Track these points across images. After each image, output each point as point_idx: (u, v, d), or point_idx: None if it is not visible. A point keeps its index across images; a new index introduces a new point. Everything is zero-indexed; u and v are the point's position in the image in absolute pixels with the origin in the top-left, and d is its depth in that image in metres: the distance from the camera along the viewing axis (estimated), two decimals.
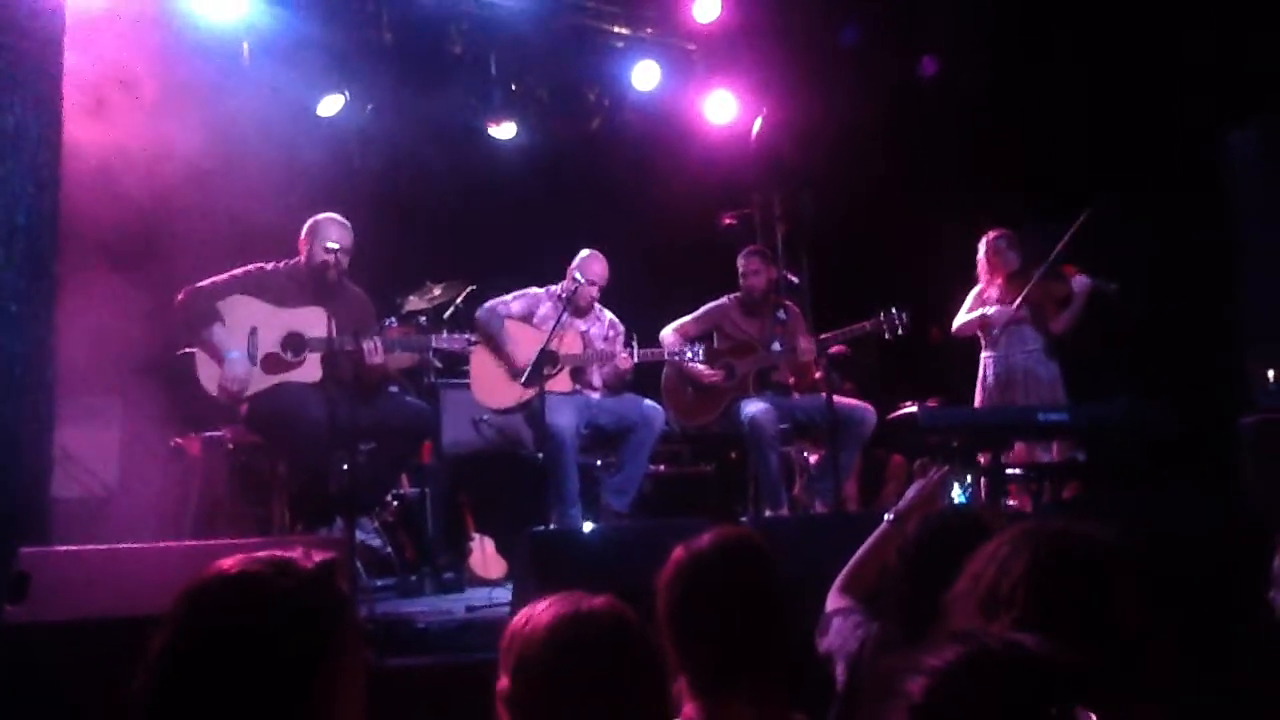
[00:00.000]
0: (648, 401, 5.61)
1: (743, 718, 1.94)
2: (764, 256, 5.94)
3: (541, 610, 1.69)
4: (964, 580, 1.76)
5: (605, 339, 5.79)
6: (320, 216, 5.00)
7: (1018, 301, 5.73)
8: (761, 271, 5.87)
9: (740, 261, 6.01)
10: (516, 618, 1.72)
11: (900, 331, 5.60)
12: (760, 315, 5.92)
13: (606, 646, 1.65)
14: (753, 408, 5.56)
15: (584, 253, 5.69)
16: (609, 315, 5.88)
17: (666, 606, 2.04)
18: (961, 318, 6.03)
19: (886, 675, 1.03)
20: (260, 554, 1.47)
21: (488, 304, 5.70)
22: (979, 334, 5.96)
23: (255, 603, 1.41)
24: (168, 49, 5.88)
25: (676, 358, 5.62)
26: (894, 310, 5.60)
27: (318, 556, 1.49)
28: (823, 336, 5.64)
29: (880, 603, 2.53)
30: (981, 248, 6.00)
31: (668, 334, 5.91)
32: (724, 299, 6.03)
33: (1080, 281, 5.69)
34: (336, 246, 4.88)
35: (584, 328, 5.73)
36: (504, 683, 1.68)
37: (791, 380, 5.87)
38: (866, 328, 5.68)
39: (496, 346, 5.56)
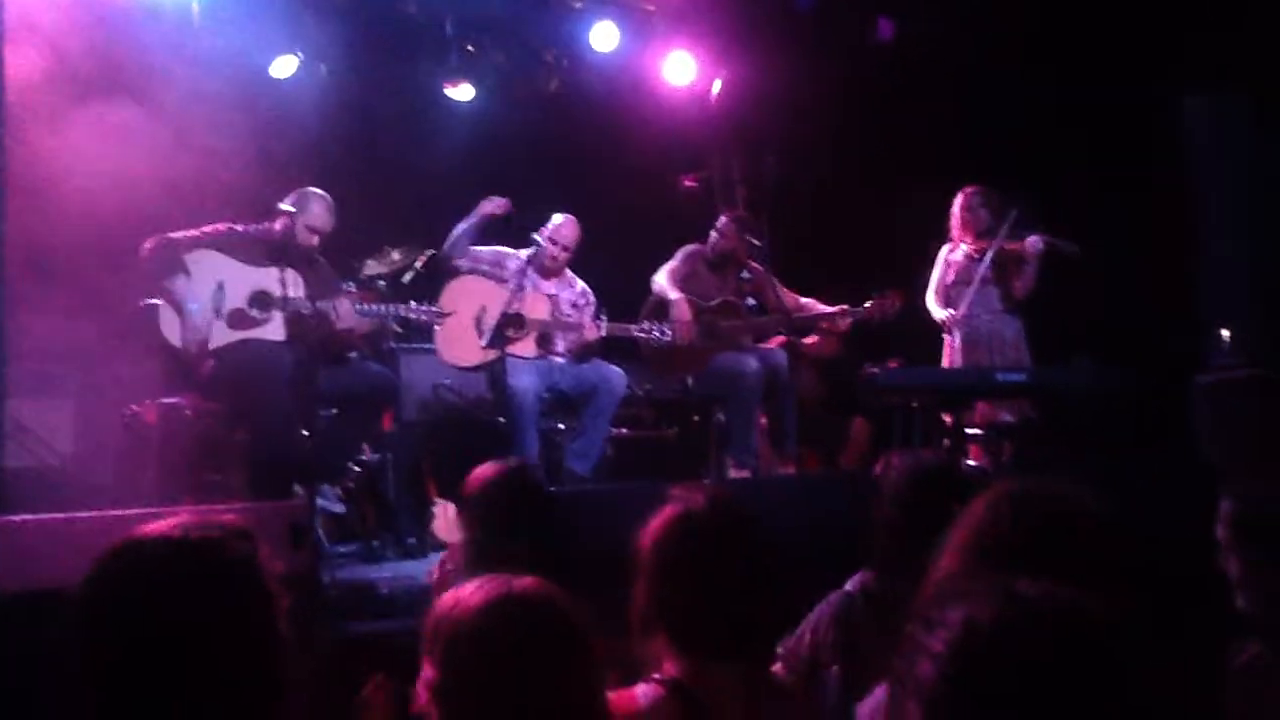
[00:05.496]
0: (609, 365, 5.59)
1: (728, 676, 1.93)
2: (742, 227, 5.95)
3: (470, 593, 1.62)
4: (951, 543, 1.79)
5: (575, 305, 5.75)
6: (309, 191, 5.02)
7: (983, 268, 5.77)
8: (733, 239, 5.88)
9: (720, 221, 6.05)
10: (440, 602, 1.65)
11: (893, 316, 5.69)
12: (723, 273, 5.95)
13: (541, 628, 1.59)
14: (738, 363, 5.63)
15: (558, 217, 5.67)
16: (581, 284, 5.85)
17: (656, 563, 2.01)
18: (930, 300, 6.04)
19: (914, 630, 1.01)
20: (161, 524, 1.48)
21: (457, 231, 5.65)
22: (949, 293, 5.97)
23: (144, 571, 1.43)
24: (114, 10, 5.75)
25: (644, 334, 5.59)
26: (882, 292, 5.73)
27: (225, 526, 1.49)
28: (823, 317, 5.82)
29: (869, 553, 2.56)
30: (955, 204, 6.01)
31: (659, 278, 5.88)
32: (694, 246, 6.06)
33: (1031, 242, 5.72)
34: (320, 231, 4.96)
35: (552, 291, 5.69)
36: (431, 673, 1.61)
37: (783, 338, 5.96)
38: (867, 310, 5.79)
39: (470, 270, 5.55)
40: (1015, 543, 1.81)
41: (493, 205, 5.62)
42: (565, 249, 5.64)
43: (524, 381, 5.24)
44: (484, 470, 3.00)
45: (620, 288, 6.07)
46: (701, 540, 2.00)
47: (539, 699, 1.56)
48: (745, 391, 5.60)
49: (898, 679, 1.02)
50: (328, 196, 5.02)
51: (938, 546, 1.83)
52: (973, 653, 0.95)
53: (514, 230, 5.76)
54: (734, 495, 2.14)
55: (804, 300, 6.03)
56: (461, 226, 5.63)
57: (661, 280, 5.85)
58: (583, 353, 5.64)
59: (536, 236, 5.53)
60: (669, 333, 5.56)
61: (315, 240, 5.00)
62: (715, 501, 2.06)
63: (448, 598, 1.64)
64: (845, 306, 5.88)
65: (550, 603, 1.63)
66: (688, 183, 7.49)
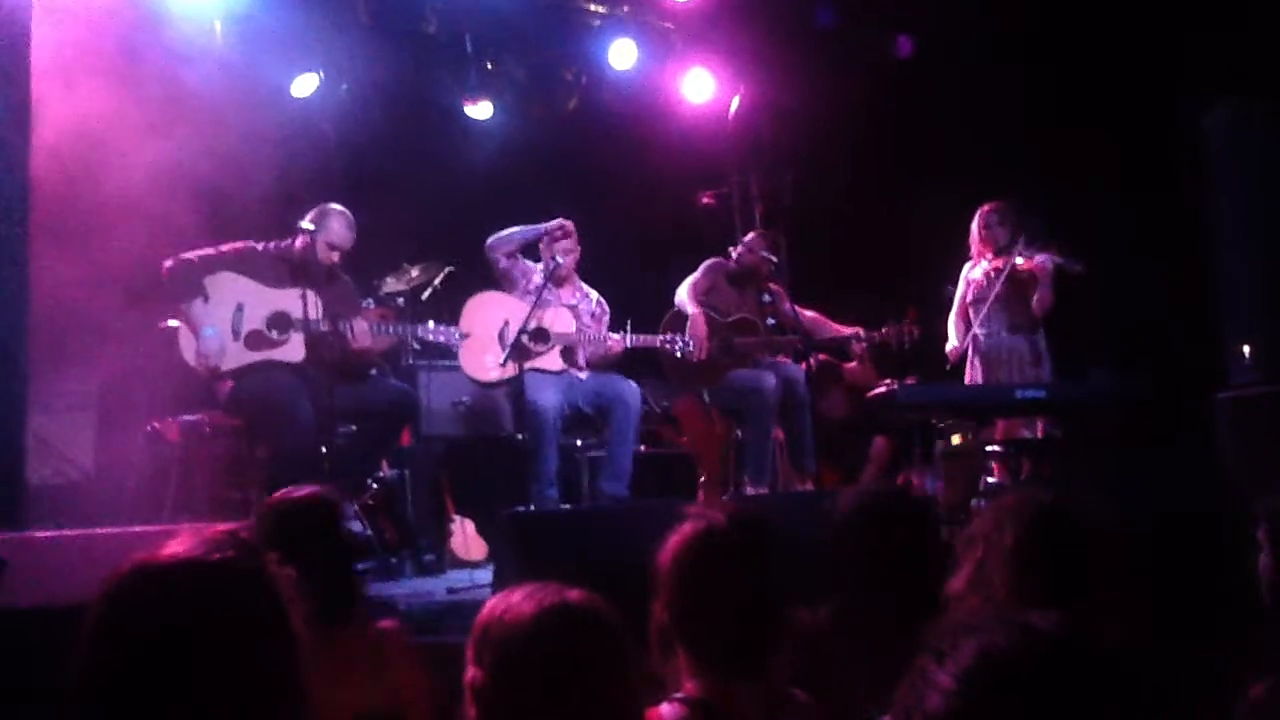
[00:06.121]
0: (623, 380, 5.59)
1: (747, 695, 1.92)
2: (771, 245, 5.95)
3: (521, 600, 1.64)
4: (960, 556, 1.80)
5: (593, 316, 5.74)
6: (329, 208, 5.01)
7: (998, 285, 5.77)
8: (758, 258, 5.88)
9: (749, 237, 6.07)
10: (490, 607, 1.67)
11: (910, 342, 5.72)
12: (743, 289, 5.93)
13: (592, 639, 1.62)
14: (760, 379, 5.62)
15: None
16: (595, 294, 5.84)
17: (676, 581, 1.99)
18: (951, 321, 6.04)
19: (923, 662, 1.00)
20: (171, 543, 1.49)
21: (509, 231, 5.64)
22: (969, 311, 5.96)
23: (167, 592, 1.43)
24: (138, 29, 5.81)
25: (668, 346, 5.56)
26: (907, 321, 5.75)
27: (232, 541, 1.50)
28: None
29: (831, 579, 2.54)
30: (974, 221, 6.00)
31: (682, 292, 5.87)
32: (717, 260, 6.05)
33: (1040, 261, 5.71)
34: (341, 247, 4.97)
35: (571, 302, 5.68)
36: (476, 674, 1.63)
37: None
38: (885, 335, 5.80)
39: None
40: (1022, 556, 1.83)
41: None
42: (568, 251, 5.60)
43: (545, 397, 5.22)
44: (281, 494, 2.72)
45: (639, 303, 6.07)
46: (722, 558, 1.98)
47: (582, 708, 1.58)
48: (761, 408, 5.58)
49: (904, 712, 1.01)
50: (348, 213, 5.03)
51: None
52: (984, 685, 0.95)
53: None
54: (755, 512, 2.13)
55: (817, 317, 6.02)
56: (519, 231, 5.62)
57: (683, 295, 5.84)
58: (604, 365, 5.63)
59: (544, 251, 5.55)
60: (690, 345, 5.54)
61: (336, 257, 5.01)
62: (736, 518, 2.04)
63: (498, 602, 1.67)
64: (860, 330, 5.87)
65: (601, 615, 1.66)
66: (705, 200, 7.50)
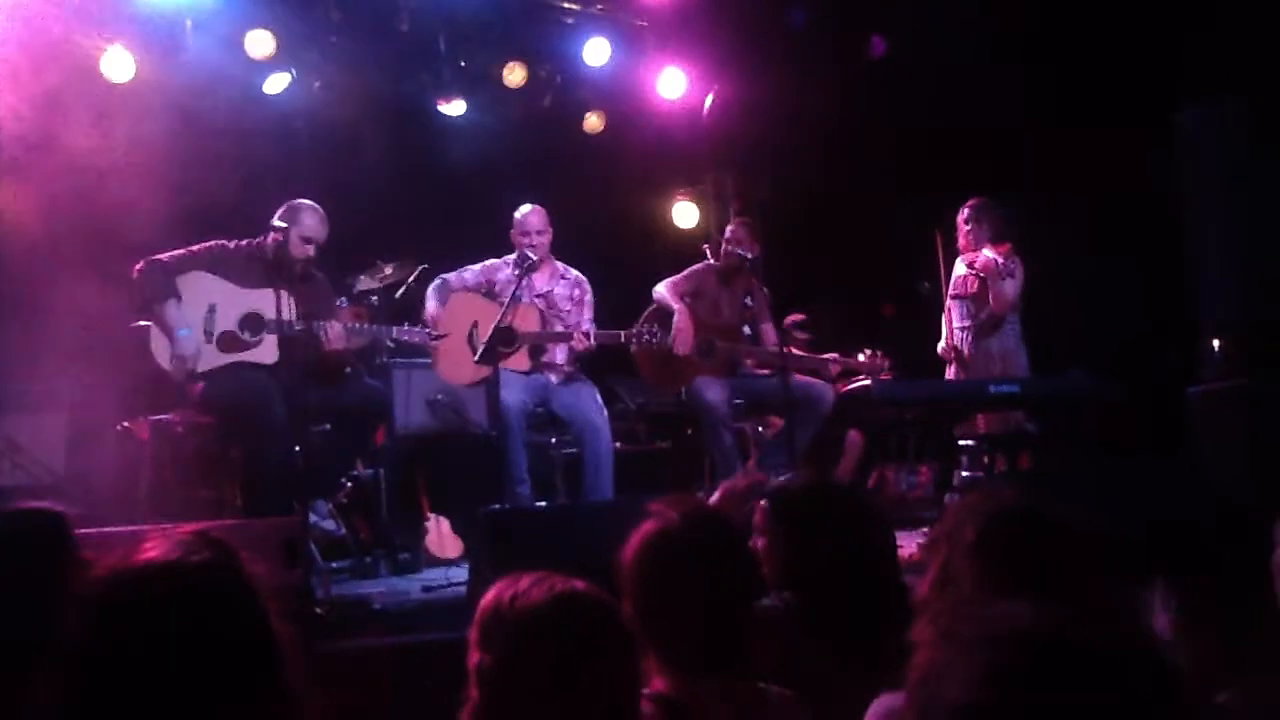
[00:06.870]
0: (601, 409, 5.50)
1: (716, 691, 1.93)
2: (751, 229, 5.93)
3: (530, 587, 1.66)
4: (926, 558, 1.81)
5: (571, 299, 5.69)
6: (299, 203, 4.93)
7: (964, 283, 5.82)
8: (745, 243, 5.82)
9: (729, 229, 6.00)
10: (498, 593, 1.69)
11: (886, 374, 5.72)
12: (732, 288, 5.92)
13: (600, 627, 1.66)
14: (708, 390, 5.56)
15: (519, 212, 5.63)
16: (574, 273, 5.78)
17: (634, 583, 2.01)
18: (944, 321, 6.07)
19: (939, 651, 0.99)
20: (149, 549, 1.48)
21: (440, 278, 5.64)
22: (951, 308, 6.00)
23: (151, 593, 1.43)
24: (107, 26, 5.77)
25: (635, 340, 5.52)
26: (881, 353, 5.73)
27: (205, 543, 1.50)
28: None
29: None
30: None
31: (660, 289, 5.84)
32: (704, 264, 6.05)
33: (983, 260, 5.76)
34: (315, 241, 4.89)
35: (546, 288, 5.64)
36: (483, 658, 1.65)
37: (753, 365, 5.92)
38: (858, 364, 5.80)
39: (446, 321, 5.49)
40: (984, 551, 1.84)
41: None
42: (539, 233, 5.54)
43: (511, 396, 5.18)
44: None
45: (614, 301, 6.07)
46: (677, 557, 1.99)
47: (590, 694, 1.61)
48: (714, 422, 5.54)
49: (921, 705, 0.99)
50: (319, 207, 4.97)
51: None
52: (1010, 674, 0.93)
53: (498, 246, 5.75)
54: (714, 511, 2.13)
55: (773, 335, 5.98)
56: (454, 279, 5.59)
57: (662, 290, 5.81)
58: (578, 359, 5.59)
59: (520, 237, 5.53)
60: (658, 333, 5.48)
61: (311, 250, 4.92)
62: (689, 517, 2.05)
63: (504, 589, 1.68)
64: (835, 355, 5.84)
65: (609, 606, 1.70)
66: (680, 198, 7.51)
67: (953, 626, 1.00)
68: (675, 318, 5.61)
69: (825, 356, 5.87)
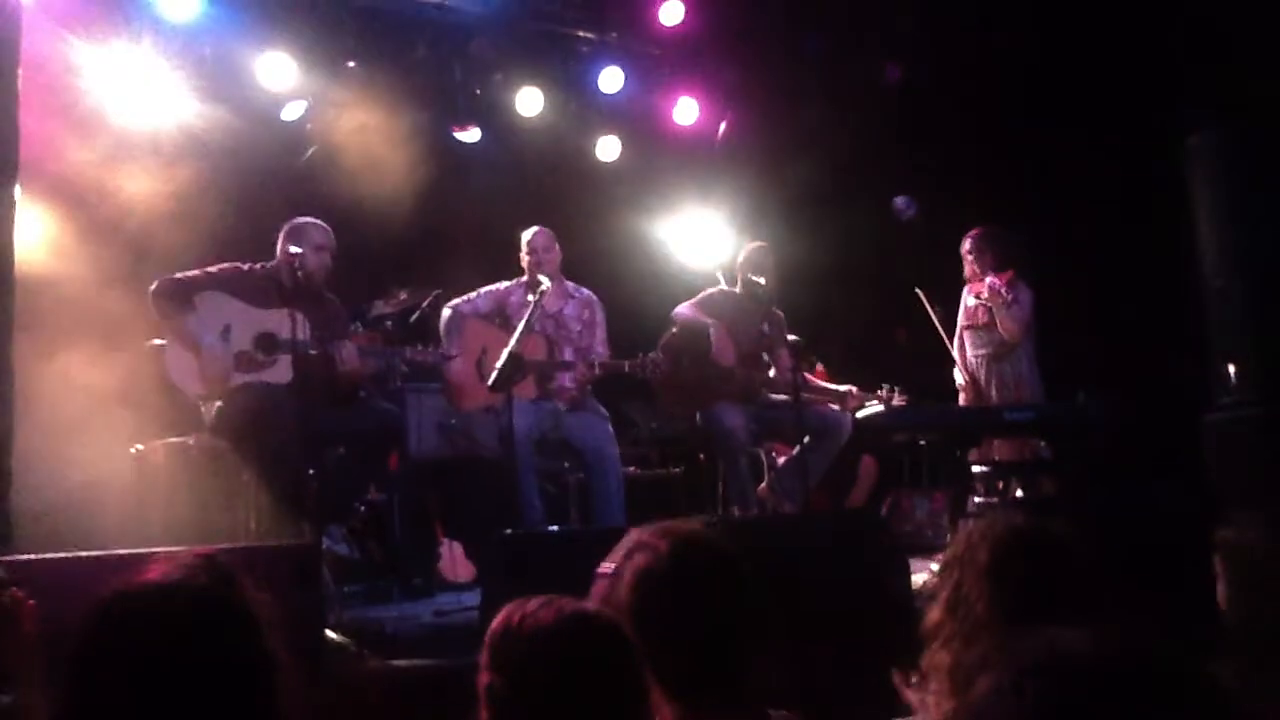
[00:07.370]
0: (611, 439, 5.51)
1: None
2: (766, 254, 5.92)
3: (539, 609, 1.66)
4: (938, 584, 1.80)
5: (581, 319, 5.70)
6: (298, 221, 4.97)
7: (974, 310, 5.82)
8: (766, 271, 5.83)
9: (753, 255, 5.96)
10: (507, 614, 1.68)
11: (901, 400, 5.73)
12: (752, 314, 5.90)
13: (610, 650, 1.65)
14: (726, 416, 5.54)
15: (524, 235, 5.65)
16: (585, 291, 5.79)
17: (629, 615, 1.91)
18: (956, 350, 6.08)
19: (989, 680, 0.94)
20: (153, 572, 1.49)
21: (451, 303, 5.65)
22: (964, 337, 5.99)
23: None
24: (128, 52, 5.82)
25: (640, 370, 5.40)
26: (892, 387, 5.73)
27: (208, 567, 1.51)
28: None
29: None
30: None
31: (684, 309, 5.84)
32: (718, 289, 6.04)
33: (987, 286, 5.75)
34: (328, 248, 4.93)
35: (555, 308, 5.62)
36: (492, 679, 1.65)
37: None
38: (876, 397, 5.78)
39: (462, 347, 5.50)
40: (997, 574, 1.83)
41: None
42: (546, 250, 5.56)
43: (520, 422, 5.17)
44: None
45: (628, 327, 6.07)
46: (666, 592, 1.91)
47: (595, 716, 1.61)
48: (730, 448, 5.54)
49: None
50: (320, 221, 5.01)
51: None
52: (1066, 705, 0.89)
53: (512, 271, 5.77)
54: (702, 536, 2.01)
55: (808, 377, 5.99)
56: (466, 307, 5.62)
57: (686, 310, 5.81)
58: (583, 385, 5.59)
59: (525, 256, 5.53)
60: (662, 362, 5.39)
61: (328, 259, 4.95)
62: (678, 546, 1.95)
63: (513, 610, 1.68)
64: (853, 388, 5.85)
65: (618, 627, 1.69)
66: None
67: (999, 656, 0.97)
68: (713, 331, 5.61)
69: (843, 389, 5.87)
